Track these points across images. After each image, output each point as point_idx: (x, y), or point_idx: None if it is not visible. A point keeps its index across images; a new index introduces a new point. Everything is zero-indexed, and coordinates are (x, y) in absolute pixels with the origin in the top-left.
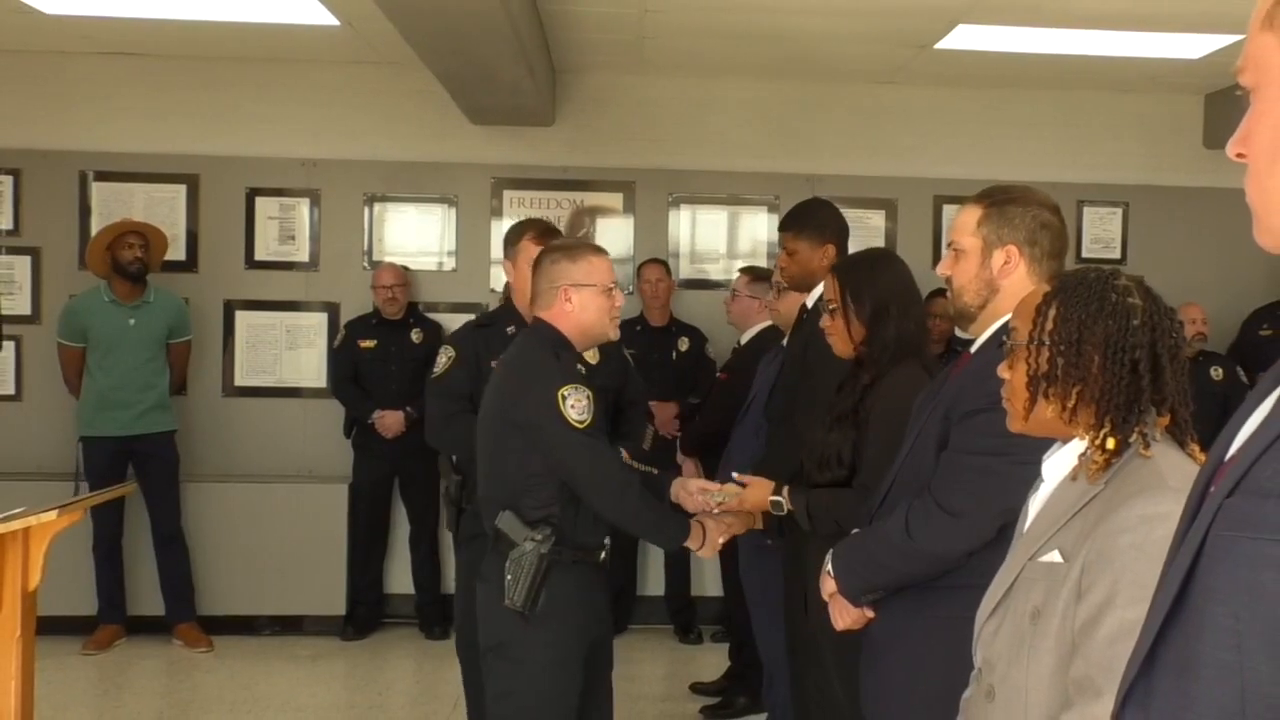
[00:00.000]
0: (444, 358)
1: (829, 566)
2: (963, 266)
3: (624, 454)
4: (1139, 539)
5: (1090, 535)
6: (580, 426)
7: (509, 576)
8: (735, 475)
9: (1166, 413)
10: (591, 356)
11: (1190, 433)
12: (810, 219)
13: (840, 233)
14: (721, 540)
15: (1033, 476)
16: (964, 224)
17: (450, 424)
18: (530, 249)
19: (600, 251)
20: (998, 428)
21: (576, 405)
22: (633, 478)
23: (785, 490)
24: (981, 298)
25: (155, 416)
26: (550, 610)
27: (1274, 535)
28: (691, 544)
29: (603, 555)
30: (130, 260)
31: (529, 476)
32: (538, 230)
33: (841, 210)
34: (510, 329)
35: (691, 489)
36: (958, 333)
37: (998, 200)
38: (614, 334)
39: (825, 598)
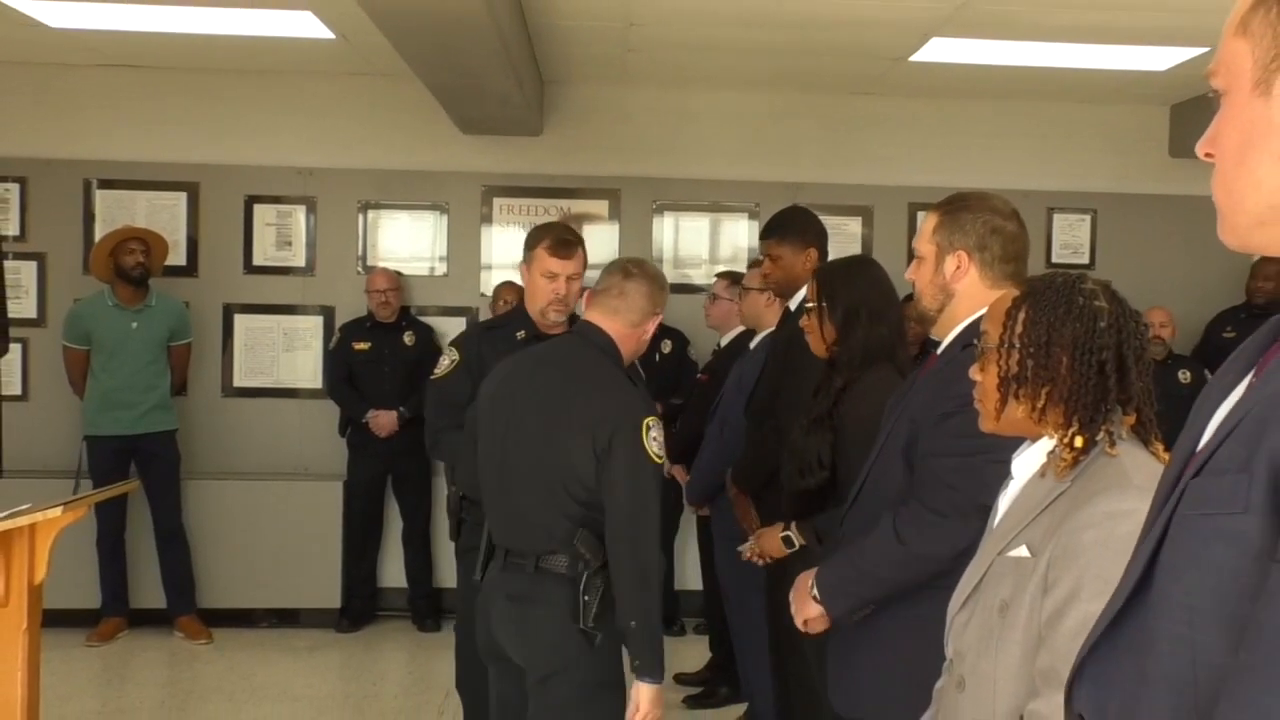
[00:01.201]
0: (447, 359)
1: (813, 593)
2: (921, 272)
3: None
4: (1103, 535)
5: (1056, 531)
6: (658, 461)
7: (586, 597)
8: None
9: (1132, 412)
10: None
11: (1154, 431)
12: (791, 225)
13: (820, 237)
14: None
15: (1002, 473)
16: (923, 231)
17: (442, 437)
18: (544, 259)
19: (664, 286)
20: (970, 428)
21: (658, 439)
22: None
23: (793, 526)
24: (938, 302)
25: (157, 416)
26: (608, 632)
27: (1225, 509)
28: (654, 680)
29: None
30: (132, 265)
31: (597, 494)
32: (554, 239)
33: (819, 217)
34: (520, 334)
35: None
36: (932, 335)
37: (953, 208)
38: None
39: (799, 623)
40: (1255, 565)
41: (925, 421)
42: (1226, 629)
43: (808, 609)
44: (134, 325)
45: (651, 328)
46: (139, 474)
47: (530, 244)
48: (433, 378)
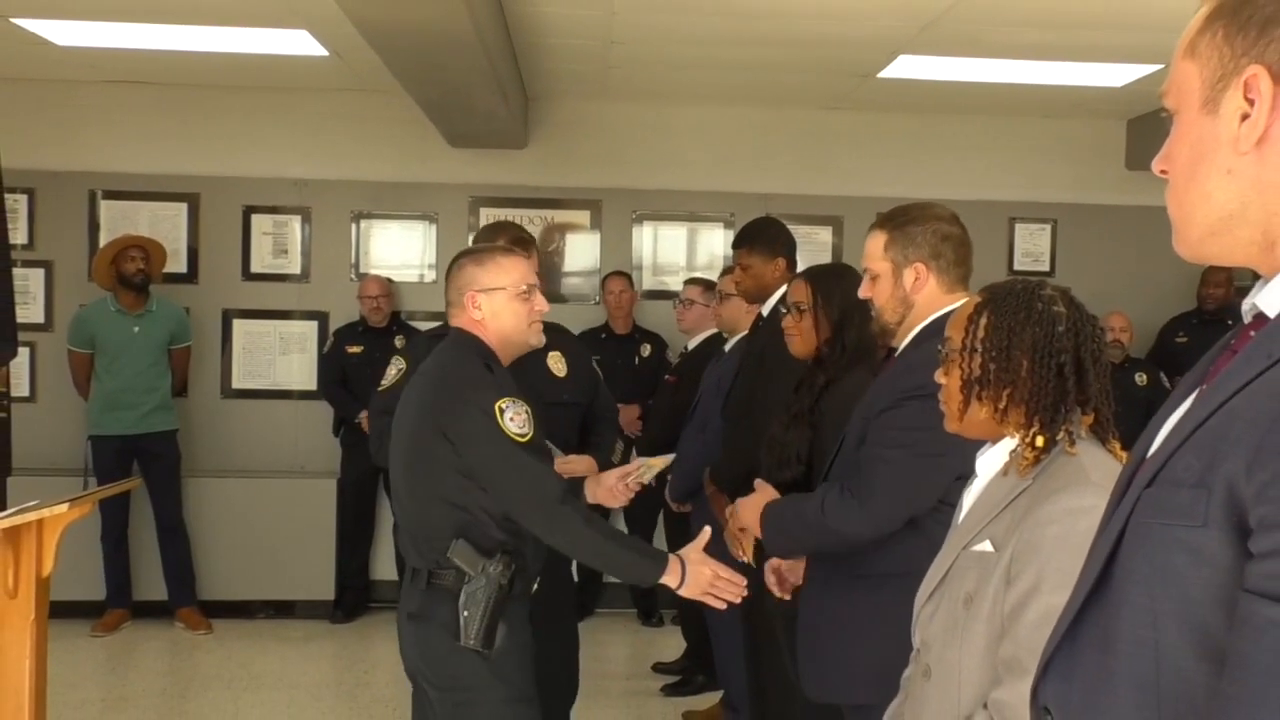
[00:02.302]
0: (394, 369)
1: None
2: (879, 289)
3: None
4: (1064, 530)
5: (1019, 527)
6: (521, 440)
7: (465, 613)
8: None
9: (1090, 412)
10: (559, 369)
11: (1112, 430)
12: (762, 236)
13: (789, 247)
14: (707, 584)
15: (937, 469)
16: (873, 250)
17: (385, 444)
18: None
19: (511, 252)
20: (900, 422)
21: (516, 418)
22: (578, 501)
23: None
24: (899, 314)
25: (158, 416)
26: (509, 645)
27: (1185, 521)
28: (669, 579)
29: (534, 587)
30: (133, 272)
31: (476, 500)
32: (509, 239)
33: (791, 227)
34: None
35: (609, 482)
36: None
37: (898, 223)
38: (535, 340)
39: (738, 552)
40: (1215, 575)
41: (871, 416)
42: (1189, 633)
43: (752, 526)
44: (136, 329)
45: (501, 303)
46: (141, 472)
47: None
48: (380, 388)
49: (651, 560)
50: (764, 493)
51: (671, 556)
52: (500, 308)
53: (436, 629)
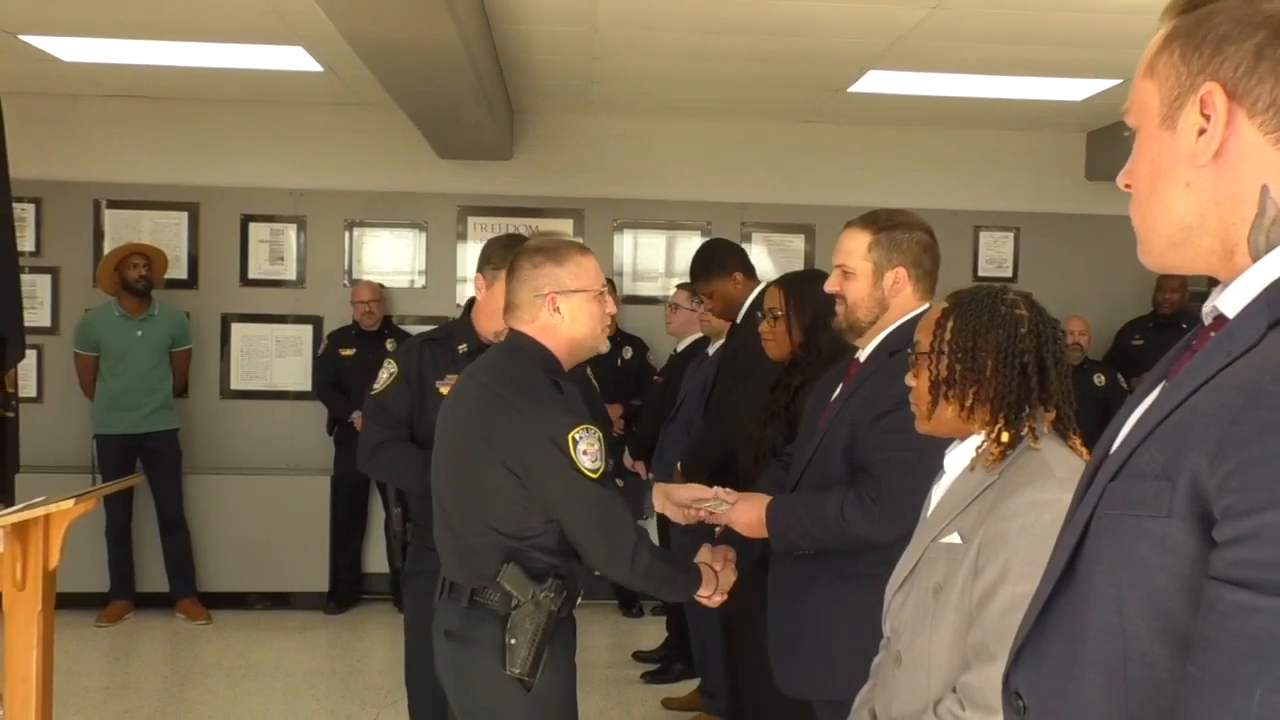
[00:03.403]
0: (386, 373)
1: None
2: (855, 286)
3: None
4: (1028, 523)
5: (985, 519)
6: (594, 477)
7: (512, 640)
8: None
9: (1052, 409)
10: None
11: (1073, 427)
12: (711, 262)
13: (738, 256)
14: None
15: (933, 468)
16: (853, 248)
17: (379, 452)
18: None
19: (586, 250)
20: (900, 426)
21: (590, 451)
22: (644, 532)
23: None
24: (873, 314)
25: (160, 416)
26: (552, 672)
27: (1150, 512)
28: (704, 591)
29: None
30: (136, 278)
31: (532, 523)
32: (504, 247)
33: (765, 235)
34: (462, 347)
35: (683, 499)
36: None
37: (884, 226)
38: (604, 345)
39: (739, 527)
40: (1180, 563)
41: (863, 422)
42: (1155, 619)
43: (751, 527)
44: (139, 333)
45: (580, 306)
46: (144, 469)
47: (494, 261)
48: (372, 392)
49: (689, 577)
50: (758, 500)
51: (704, 570)
52: (579, 310)
53: (480, 653)
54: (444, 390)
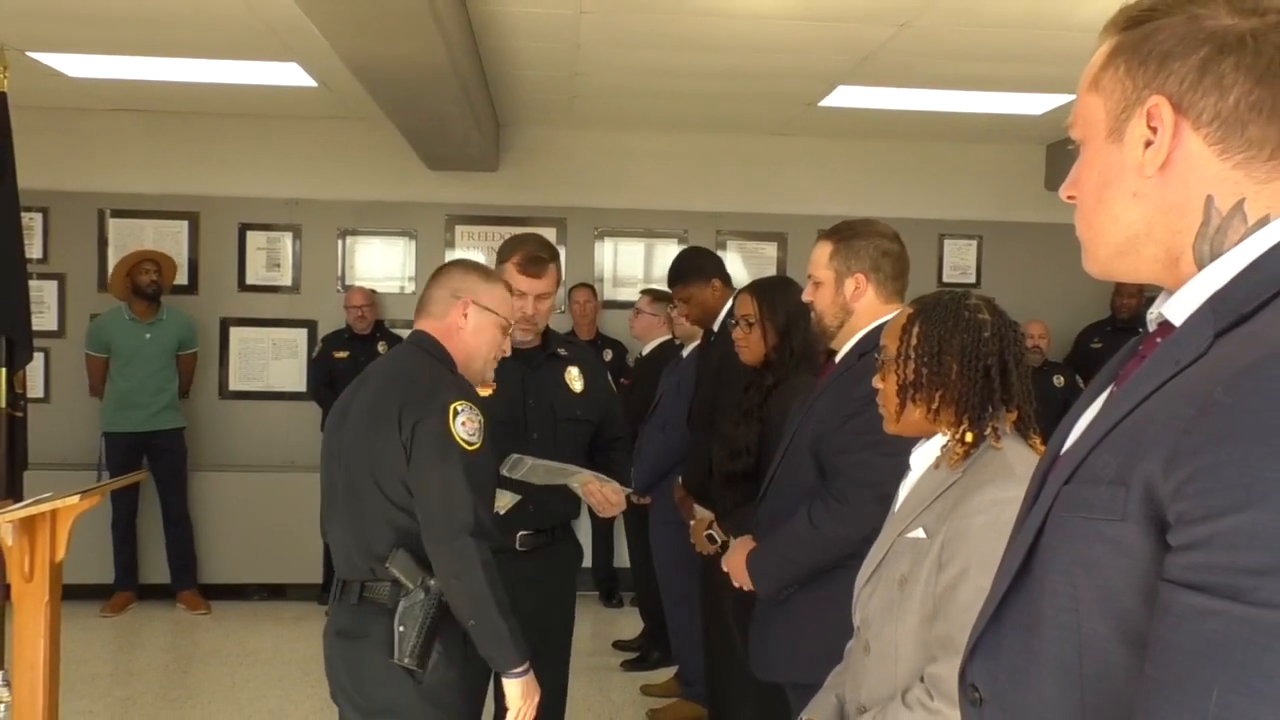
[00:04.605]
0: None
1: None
2: (822, 295)
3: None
4: (991, 519)
5: (949, 516)
6: (467, 447)
7: (400, 628)
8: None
9: (1014, 410)
10: (576, 385)
11: (1033, 427)
12: (690, 268)
13: (718, 265)
14: (521, 698)
15: (899, 465)
16: (819, 259)
17: None
18: (513, 277)
19: (508, 289)
20: (868, 426)
21: (468, 424)
22: (486, 548)
23: (715, 525)
24: (839, 319)
25: (167, 415)
26: (446, 666)
27: (1105, 516)
28: (518, 670)
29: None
30: (147, 283)
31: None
32: (525, 255)
33: (738, 243)
34: None
35: (609, 498)
36: (832, 347)
37: (844, 236)
38: (489, 377)
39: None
40: (1134, 565)
41: (831, 422)
42: (1110, 618)
43: (746, 582)
44: (147, 336)
45: (486, 324)
46: (150, 466)
47: (501, 258)
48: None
49: (518, 645)
50: (744, 544)
51: (530, 669)
52: (484, 328)
53: (369, 647)
54: None
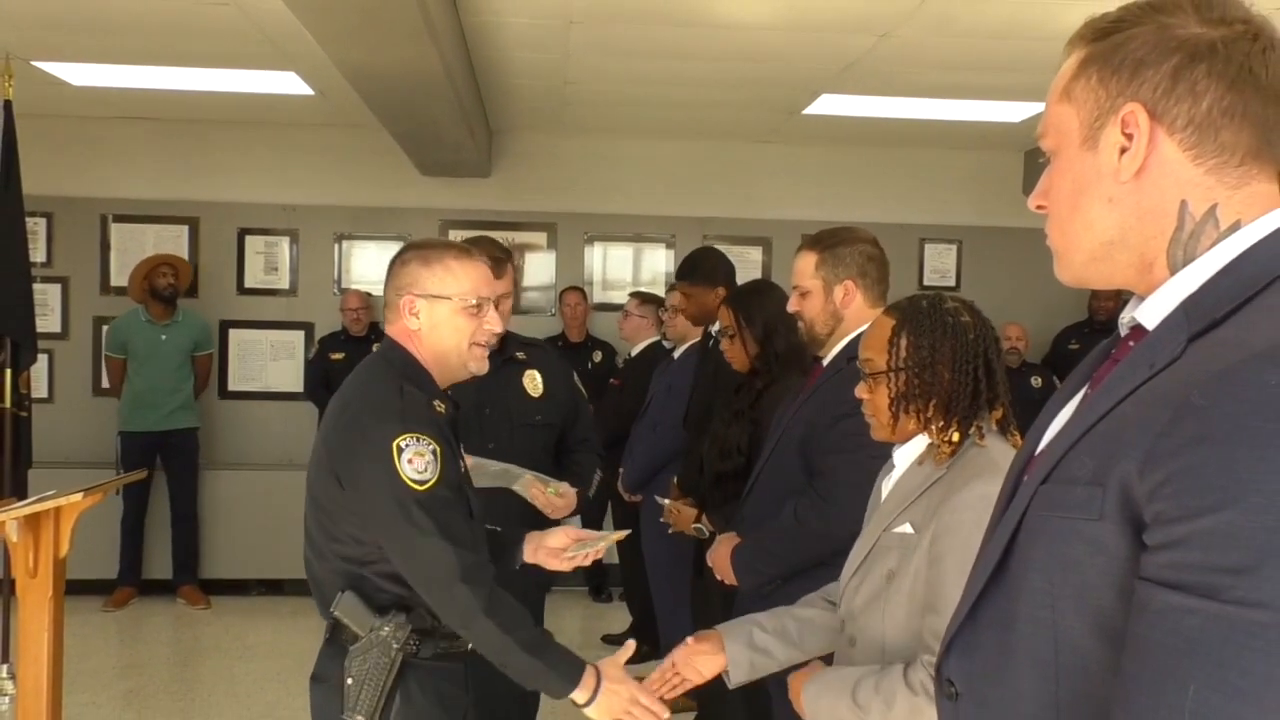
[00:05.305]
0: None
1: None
2: (810, 303)
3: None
4: (978, 515)
5: (937, 511)
6: (419, 489)
7: (349, 680)
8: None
9: (999, 408)
10: (534, 389)
11: (1013, 423)
12: (701, 268)
13: (728, 275)
14: (622, 708)
15: (880, 465)
16: (804, 269)
17: None
18: None
19: (466, 254)
20: (857, 428)
21: (416, 460)
22: (488, 575)
23: (703, 517)
24: (829, 326)
25: (181, 415)
26: (414, 711)
27: (1082, 515)
28: (579, 694)
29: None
30: (164, 286)
31: (368, 552)
32: (486, 255)
33: (724, 248)
34: None
35: (555, 543)
36: (820, 353)
37: (828, 244)
38: (476, 366)
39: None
40: (1111, 563)
41: (820, 423)
42: (1086, 615)
43: (730, 575)
44: (163, 337)
45: (443, 316)
46: (163, 465)
47: None
48: None
49: (562, 674)
50: (730, 539)
51: (588, 668)
52: (441, 320)
53: (329, 693)
54: None
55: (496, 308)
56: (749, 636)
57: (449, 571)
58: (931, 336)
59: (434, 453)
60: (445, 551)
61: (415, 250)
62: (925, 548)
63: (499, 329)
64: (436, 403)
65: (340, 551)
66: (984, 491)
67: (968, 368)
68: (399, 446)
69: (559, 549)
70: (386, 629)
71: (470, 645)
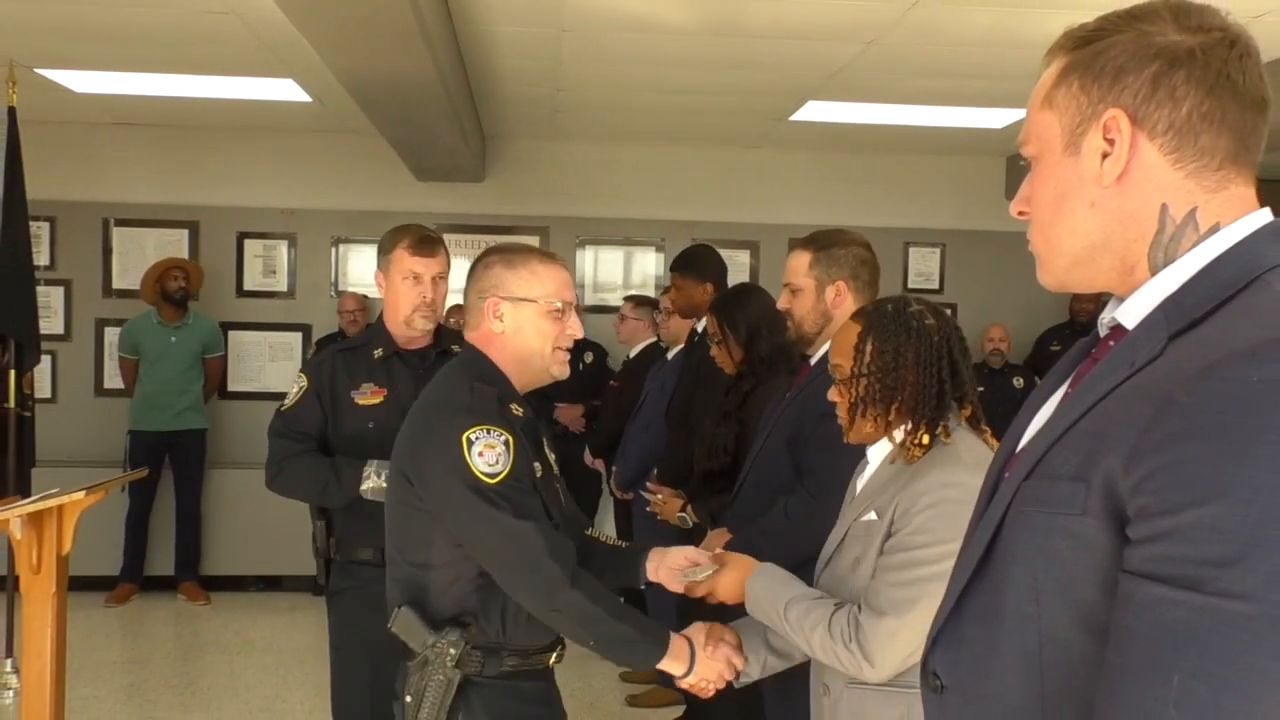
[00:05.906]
0: (295, 388)
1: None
2: (800, 302)
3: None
4: (935, 499)
5: (897, 496)
6: (491, 481)
7: (407, 697)
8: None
9: (968, 406)
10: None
11: (983, 419)
12: (694, 263)
13: (719, 273)
14: (719, 676)
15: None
16: (797, 267)
17: (284, 468)
18: (405, 260)
19: (551, 260)
20: (838, 429)
21: (487, 451)
22: (570, 559)
23: (688, 508)
24: (819, 326)
25: (190, 416)
26: None
27: (1065, 510)
28: (674, 667)
29: (554, 658)
30: (175, 289)
31: (434, 555)
32: (413, 238)
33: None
34: (378, 352)
35: (677, 564)
36: (809, 352)
37: (823, 245)
38: (559, 371)
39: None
40: (1094, 557)
41: (808, 422)
42: (1070, 608)
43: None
44: (173, 339)
45: (528, 318)
46: (171, 464)
47: (386, 248)
48: (280, 409)
49: (653, 640)
50: (720, 535)
51: (675, 638)
52: (525, 323)
53: (397, 709)
54: (360, 401)
55: (434, 286)
56: (764, 636)
57: (535, 550)
58: (896, 341)
59: (505, 443)
60: (527, 529)
61: (499, 254)
62: (884, 528)
63: (580, 334)
64: (514, 406)
65: (407, 556)
66: (942, 479)
67: (932, 369)
68: (469, 439)
69: (678, 569)
70: (442, 644)
71: (551, 661)
